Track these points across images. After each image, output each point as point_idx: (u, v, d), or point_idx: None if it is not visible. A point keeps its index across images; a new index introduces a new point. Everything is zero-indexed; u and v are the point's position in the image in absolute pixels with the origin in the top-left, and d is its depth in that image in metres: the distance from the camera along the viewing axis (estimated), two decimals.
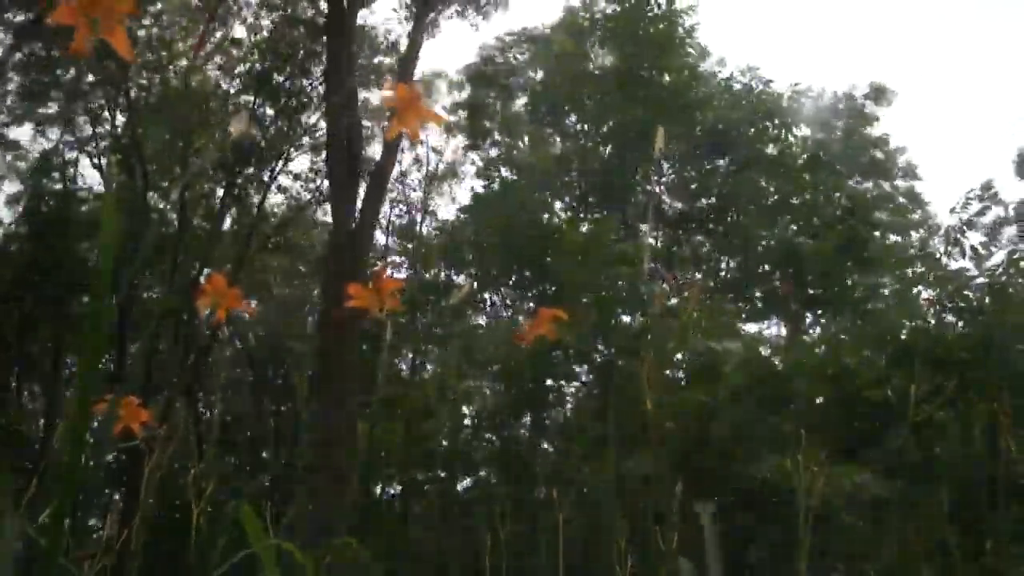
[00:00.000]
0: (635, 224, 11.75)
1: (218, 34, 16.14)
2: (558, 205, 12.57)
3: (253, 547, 1.76)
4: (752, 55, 37.69)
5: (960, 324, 6.26)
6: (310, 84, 16.28)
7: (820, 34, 39.52)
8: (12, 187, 17.99)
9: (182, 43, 16.24)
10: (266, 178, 17.22)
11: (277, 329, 18.97)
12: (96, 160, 17.04)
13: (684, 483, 2.60)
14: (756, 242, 11.43)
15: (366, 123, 16.70)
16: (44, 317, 16.54)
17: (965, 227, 6.92)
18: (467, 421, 13.02)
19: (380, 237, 17.28)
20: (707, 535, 1.96)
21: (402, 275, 15.69)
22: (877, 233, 10.69)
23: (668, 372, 7.07)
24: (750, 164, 11.61)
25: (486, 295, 12.41)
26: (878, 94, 13.80)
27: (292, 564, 1.78)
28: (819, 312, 10.87)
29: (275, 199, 18.29)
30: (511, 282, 11.65)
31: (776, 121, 11.64)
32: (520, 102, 14.59)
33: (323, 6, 15.20)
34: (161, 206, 17.21)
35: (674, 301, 8.17)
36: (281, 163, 17.27)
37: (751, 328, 11.42)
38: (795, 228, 11.49)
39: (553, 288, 10.19)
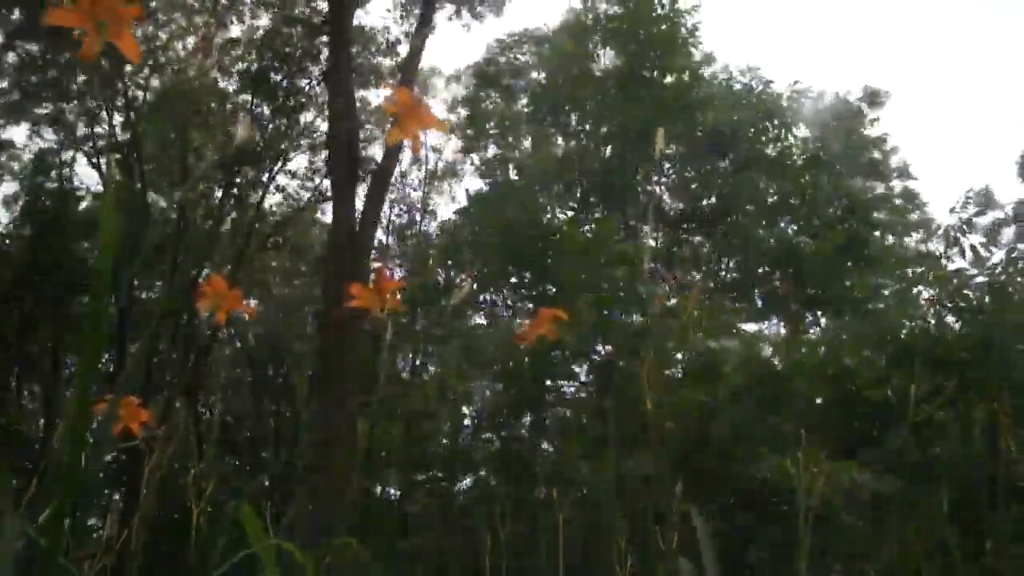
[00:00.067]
0: (635, 224, 11.76)
1: (217, 33, 16.13)
2: (558, 205, 12.57)
3: (253, 547, 1.76)
4: (751, 55, 37.71)
5: (960, 324, 6.26)
6: (308, 83, 16.29)
7: (819, 34, 39.53)
8: (9, 187, 18.00)
9: (180, 42, 16.25)
10: (265, 178, 17.23)
11: (277, 329, 18.98)
12: (95, 160, 17.04)
13: (684, 483, 2.59)
14: (756, 242, 11.43)
15: (368, 125, 16.76)
16: (44, 317, 16.54)
17: (964, 227, 6.93)
18: (467, 421, 13.04)
19: (380, 237, 17.27)
20: (701, 535, 1.96)
21: (401, 275, 15.70)
22: (877, 233, 10.70)
23: (668, 372, 7.08)
24: (750, 164, 11.61)
25: (485, 295, 12.40)
26: (872, 97, 13.86)
27: (292, 564, 1.78)
28: (819, 312, 10.88)
29: (275, 199, 18.31)
30: (511, 282, 11.65)
31: (776, 121, 11.64)
32: (521, 103, 14.60)
33: (320, 6, 15.25)
34: (161, 206, 17.23)
35: (674, 301, 8.18)
36: (280, 163, 17.29)
37: (751, 328, 11.43)
38: (795, 228, 11.50)
39: (552, 288, 10.19)
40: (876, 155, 13.67)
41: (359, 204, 12.19)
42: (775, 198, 11.83)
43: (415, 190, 19.65)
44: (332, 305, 10.34)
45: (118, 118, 16.42)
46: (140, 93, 16.55)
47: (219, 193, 16.75)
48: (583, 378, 10.78)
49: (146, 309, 17.23)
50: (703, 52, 12.15)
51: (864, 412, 6.30)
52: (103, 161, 16.90)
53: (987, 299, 6.11)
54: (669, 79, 11.71)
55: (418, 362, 16.63)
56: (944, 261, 6.88)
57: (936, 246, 7.61)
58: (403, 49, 16.07)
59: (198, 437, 16.60)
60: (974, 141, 37.60)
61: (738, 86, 11.91)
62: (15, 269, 16.03)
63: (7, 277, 15.89)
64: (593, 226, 10.41)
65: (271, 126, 16.29)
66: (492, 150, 13.67)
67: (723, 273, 12.23)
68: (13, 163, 17.73)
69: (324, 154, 17.08)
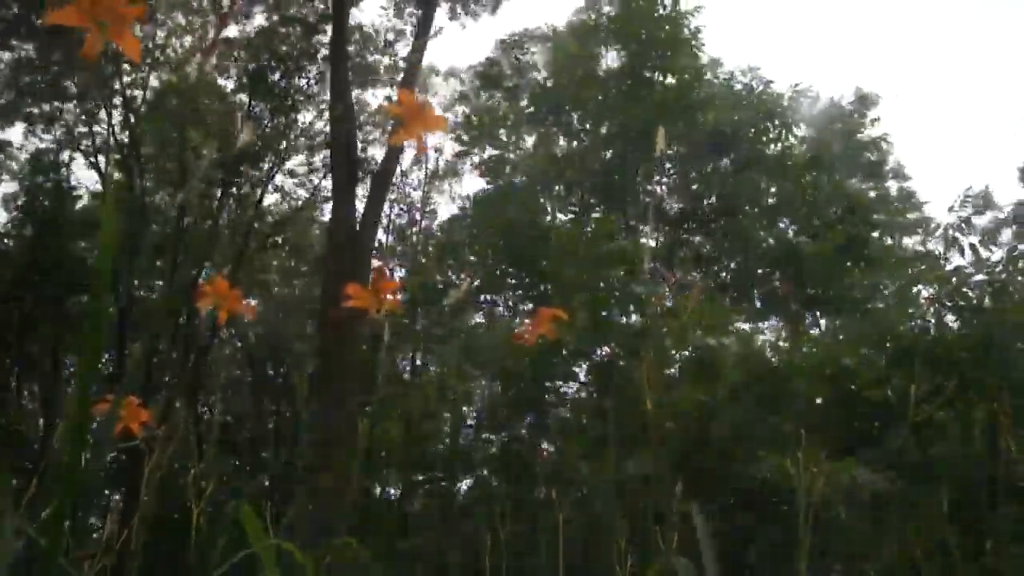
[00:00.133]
0: (636, 224, 11.75)
1: (215, 32, 16.14)
2: (558, 206, 12.57)
3: (253, 547, 1.76)
4: (751, 55, 37.70)
5: (960, 323, 6.26)
6: (307, 83, 16.31)
7: (816, 34, 39.53)
8: (10, 187, 18.00)
9: (178, 40, 16.25)
10: (264, 177, 17.24)
11: (277, 329, 18.98)
12: (93, 159, 17.04)
13: (684, 483, 2.59)
14: (756, 242, 11.43)
15: (368, 126, 16.78)
16: (44, 317, 16.54)
17: (964, 225, 6.93)
18: (467, 421, 13.04)
19: (380, 237, 17.27)
20: (701, 534, 1.96)
21: (400, 275, 15.71)
22: (876, 233, 10.69)
23: (667, 371, 7.08)
24: (751, 164, 11.60)
25: (485, 296, 12.39)
26: (863, 102, 13.89)
27: (292, 564, 1.78)
28: (819, 312, 10.88)
29: (274, 198, 18.33)
30: (509, 283, 11.64)
31: (777, 122, 11.63)
32: (522, 103, 14.59)
33: (319, 5, 15.26)
34: (160, 206, 17.24)
35: (670, 303, 8.17)
36: (279, 162, 17.30)
37: (751, 328, 11.43)
38: (795, 228, 11.49)
39: (549, 288, 10.18)
40: (873, 156, 13.67)
41: (360, 204, 12.22)
42: (775, 199, 11.83)
43: (415, 190, 19.68)
44: (331, 305, 10.34)
45: (116, 117, 16.43)
46: (139, 93, 16.56)
47: (218, 193, 16.76)
48: (583, 378, 10.78)
49: (146, 309, 17.23)
50: (710, 58, 12.16)
51: (864, 412, 6.30)
52: (102, 161, 16.90)
53: (987, 298, 6.11)
54: (671, 79, 11.69)
55: (418, 362, 16.64)
56: (943, 260, 6.88)
57: (935, 245, 7.61)
58: (401, 47, 16.13)
59: (198, 437, 16.60)
60: (973, 141, 37.61)
61: (739, 86, 11.90)
62: (15, 269, 16.03)
63: (7, 277, 15.89)
64: (593, 226, 10.40)
65: (269, 125, 16.31)
66: (489, 151, 13.64)
67: (723, 274, 12.22)
68: (12, 163, 17.74)
69: (322, 155, 17.13)
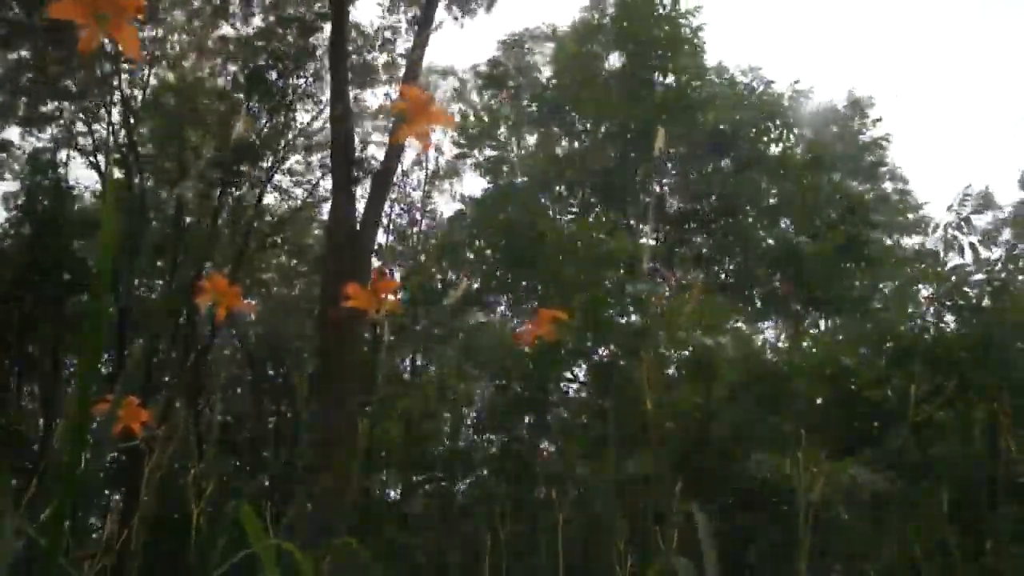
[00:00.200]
0: (636, 224, 11.74)
1: (213, 32, 16.16)
2: (557, 206, 12.56)
3: (253, 547, 1.76)
4: (750, 55, 37.70)
5: (960, 321, 6.26)
6: (305, 82, 16.31)
7: (815, 34, 39.53)
8: (10, 186, 18.00)
9: (176, 38, 16.25)
10: (264, 177, 17.24)
11: (277, 329, 18.99)
12: (93, 158, 17.04)
13: (684, 483, 2.59)
14: (756, 242, 11.42)
15: (368, 125, 16.78)
16: (44, 317, 16.54)
17: (963, 224, 6.93)
18: (467, 421, 13.02)
19: (380, 237, 17.26)
20: (702, 534, 1.95)
21: (400, 275, 15.70)
22: (875, 234, 10.68)
23: (666, 371, 7.08)
24: (751, 164, 11.59)
25: (485, 296, 12.38)
26: (855, 106, 13.89)
27: (292, 564, 1.78)
28: (819, 312, 10.87)
29: (273, 198, 18.33)
30: (507, 283, 11.63)
31: (778, 122, 11.63)
32: (522, 103, 14.58)
33: (316, 5, 15.26)
34: (160, 205, 17.24)
35: (666, 303, 8.16)
36: (278, 161, 17.30)
37: (751, 328, 11.42)
38: (795, 229, 11.47)
39: (545, 288, 10.17)
40: (871, 158, 13.68)
41: (360, 204, 12.22)
42: (776, 199, 11.82)
43: (415, 190, 19.67)
44: (331, 305, 10.33)
45: (116, 116, 16.44)
46: (138, 92, 16.56)
47: (218, 192, 16.76)
48: (583, 378, 10.78)
49: (146, 309, 17.24)
50: (712, 60, 12.16)
51: (864, 412, 6.30)
52: (101, 160, 16.90)
53: (986, 297, 6.11)
54: (671, 79, 11.68)
55: (419, 362, 16.64)
56: (943, 257, 6.88)
57: (934, 243, 7.61)
58: (400, 43, 16.14)
59: (198, 437, 16.60)
60: (974, 141, 37.61)
61: (739, 86, 11.89)
62: (15, 269, 16.03)
63: (7, 277, 15.89)
64: (581, 226, 10.39)
65: (268, 124, 16.32)
66: (488, 152, 13.62)
67: (723, 275, 12.21)
68: (15, 164, 17.74)
69: (321, 154, 17.14)
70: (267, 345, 19.40)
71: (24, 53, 14.68)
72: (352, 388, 10.26)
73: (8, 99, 15.55)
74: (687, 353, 7.21)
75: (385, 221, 17.76)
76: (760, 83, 11.87)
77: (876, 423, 6.26)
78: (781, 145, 11.76)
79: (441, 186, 19.93)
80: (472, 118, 13.94)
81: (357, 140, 14.88)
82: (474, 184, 28.86)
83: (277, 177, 17.71)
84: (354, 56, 15.51)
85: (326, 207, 16.65)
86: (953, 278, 6.36)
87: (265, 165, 17.06)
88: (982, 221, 7.25)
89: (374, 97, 17.40)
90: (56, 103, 16.05)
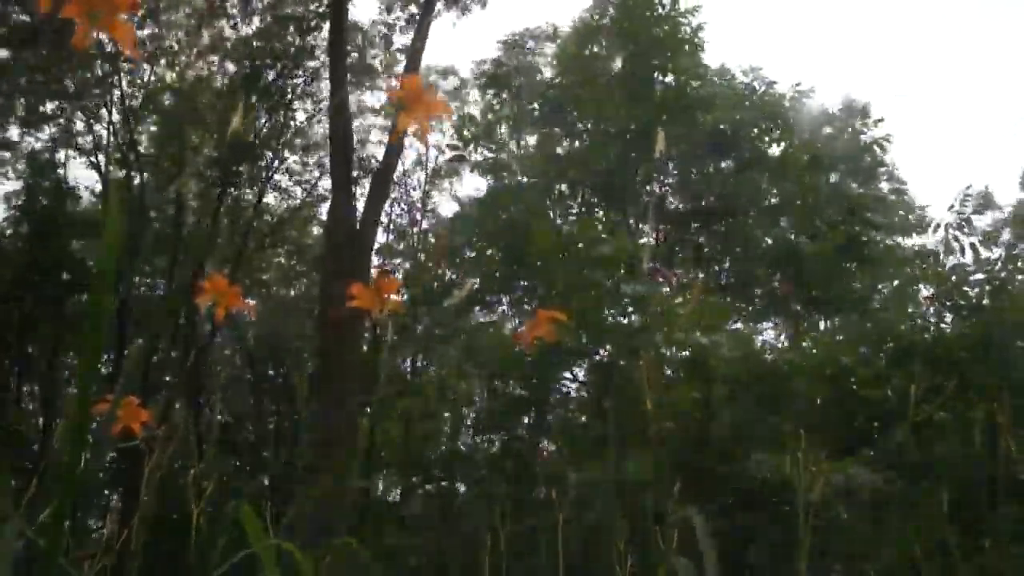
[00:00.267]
0: (637, 224, 11.74)
1: (212, 31, 16.15)
2: (557, 207, 12.56)
3: (253, 547, 1.76)
4: (750, 54, 37.70)
5: (959, 321, 6.26)
6: (303, 81, 16.31)
7: (816, 34, 39.52)
8: (12, 185, 17.99)
9: (175, 36, 16.25)
10: (263, 177, 17.25)
11: (277, 329, 18.99)
12: (93, 158, 17.03)
13: (684, 483, 2.59)
14: (757, 242, 11.42)
15: (369, 124, 16.78)
16: (44, 317, 16.54)
17: (963, 224, 6.93)
18: (467, 422, 13.02)
19: (380, 236, 17.26)
20: (700, 536, 1.95)
21: (400, 275, 15.68)
22: (875, 234, 10.68)
23: (665, 370, 7.07)
24: (751, 164, 11.60)
25: (485, 296, 12.37)
26: (850, 111, 13.90)
27: (292, 564, 1.78)
28: (819, 313, 10.87)
29: (272, 197, 18.34)
30: (504, 282, 11.63)
31: (779, 122, 11.63)
32: (521, 103, 14.57)
33: (313, 5, 15.26)
34: (160, 205, 17.24)
35: (669, 302, 8.15)
36: (279, 161, 17.31)
37: (751, 329, 11.42)
38: (795, 229, 11.47)
39: (541, 289, 10.16)
40: (870, 159, 13.66)
41: (360, 203, 12.21)
42: (776, 199, 11.82)
43: (415, 189, 19.66)
44: (331, 305, 10.33)
45: (116, 116, 16.43)
46: (138, 91, 16.55)
47: (217, 192, 16.76)
48: (582, 378, 10.78)
49: (146, 309, 17.24)
50: (720, 63, 12.16)
51: (864, 412, 6.30)
52: (101, 159, 16.90)
53: (986, 297, 6.11)
54: (671, 79, 11.68)
55: (419, 363, 16.63)
56: (943, 258, 6.89)
57: (934, 244, 7.61)
58: (397, 40, 16.15)
59: (198, 437, 16.61)
60: (974, 141, 37.60)
61: (740, 86, 11.88)
62: (15, 269, 16.03)
63: (7, 277, 15.89)
64: (600, 227, 10.38)
65: (267, 124, 16.32)
66: (485, 153, 13.60)
67: (723, 275, 12.21)
68: (19, 163, 17.73)
69: (320, 154, 17.14)
70: (267, 345, 19.40)
71: (24, 53, 14.67)
72: (352, 388, 10.25)
73: (8, 99, 15.55)
74: (686, 353, 7.22)
75: (385, 220, 17.77)
76: (761, 84, 11.87)
77: (876, 423, 6.26)
78: (783, 145, 11.76)
79: (441, 185, 19.94)
80: (469, 120, 13.92)
81: (356, 139, 14.90)
82: (474, 184, 28.86)
83: (276, 176, 17.72)
84: (355, 55, 15.52)
85: (325, 206, 16.67)
86: (953, 278, 6.37)
87: (265, 164, 17.07)
88: (983, 222, 7.26)
89: (373, 97, 17.43)
90: (56, 103, 16.04)
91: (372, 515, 10.95)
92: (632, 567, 2.48)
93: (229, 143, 14.33)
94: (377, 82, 16.88)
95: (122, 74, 15.63)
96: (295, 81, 16.31)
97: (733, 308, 10.91)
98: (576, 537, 6.20)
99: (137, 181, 16.20)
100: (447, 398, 12.11)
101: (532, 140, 14.26)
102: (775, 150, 11.89)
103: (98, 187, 17.23)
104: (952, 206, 7.55)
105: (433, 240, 16.99)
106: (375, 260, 15.15)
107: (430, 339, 13.54)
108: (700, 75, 11.81)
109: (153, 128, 17.42)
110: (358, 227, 11.37)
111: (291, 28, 15.64)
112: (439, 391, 12.01)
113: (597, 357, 9.78)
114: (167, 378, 16.60)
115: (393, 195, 17.84)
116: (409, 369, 16.53)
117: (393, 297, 1.72)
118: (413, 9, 15.31)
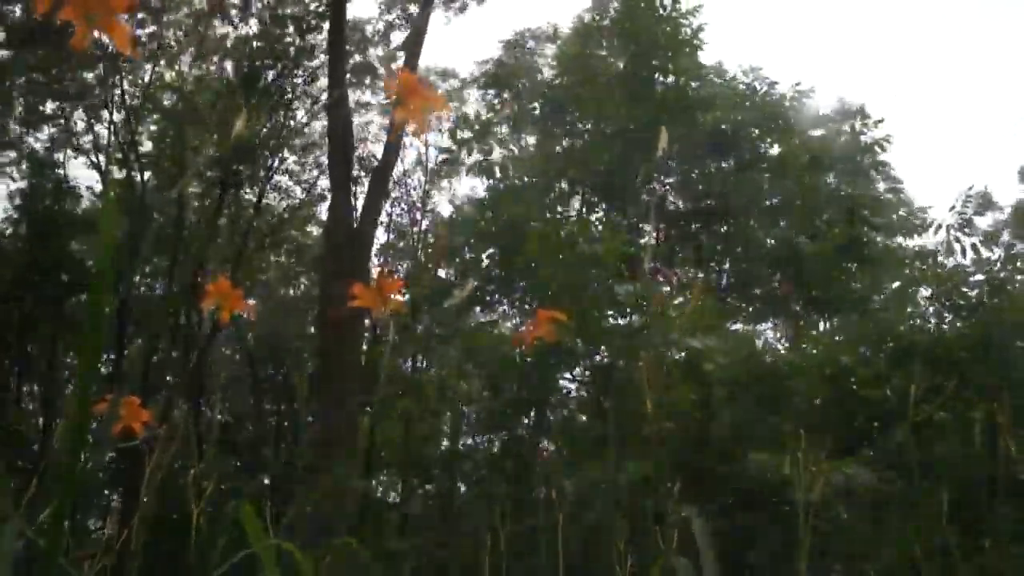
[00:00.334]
0: (637, 224, 11.73)
1: (212, 31, 16.17)
2: (557, 207, 12.54)
3: (253, 547, 1.76)
4: (751, 54, 37.69)
5: (959, 321, 6.26)
6: (302, 81, 16.32)
7: (816, 33, 39.53)
8: (13, 185, 17.98)
9: (175, 37, 16.26)
10: (263, 177, 17.25)
11: (277, 329, 18.99)
12: (94, 158, 17.04)
13: (683, 483, 2.59)
14: (757, 242, 11.41)
15: (368, 123, 16.78)
16: (44, 317, 16.54)
17: (965, 224, 6.94)
18: (467, 422, 13.01)
19: (380, 235, 17.25)
20: (699, 536, 1.95)
21: (400, 274, 15.68)
22: (875, 234, 10.68)
23: (665, 370, 7.07)
24: (752, 164, 11.59)
25: (485, 296, 12.36)
26: (845, 114, 13.90)
27: (292, 564, 1.78)
28: (819, 313, 10.87)
29: (272, 197, 18.33)
30: (506, 284, 11.62)
31: (780, 122, 11.62)
32: (521, 102, 14.56)
33: (312, 5, 15.27)
34: (160, 205, 17.23)
35: (667, 301, 8.15)
36: (278, 160, 17.32)
37: (751, 329, 11.41)
38: (795, 229, 11.46)
39: (535, 290, 10.15)
40: (868, 160, 13.65)
41: (360, 203, 12.21)
42: (777, 199, 11.81)
43: (415, 189, 19.65)
44: (331, 305, 10.33)
45: (116, 116, 16.43)
46: (138, 91, 16.55)
47: (218, 192, 16.76)
48: (582, 378, 10.76)
49: (146, 309, 17.24)
50: (718, 62, 12.14)
51: (863, 412, 6.30)
52: (101, 159, 16.90)
53: (986, 297, 6.11)
54: (671, 79, 11.67)
55: (419, 363, 16.61)
56: (941, 258, 6.89)
57: (934, 244, 7.62)
58: (396, 38, 16.18)
59: (198, 437, 16.60)
60: (974, 141, 37.61)
61: (741, 86, 11.88)
62: (15, 269, 16.03)
63: (7, 277, 15.89)
64: (600, 228, 10.37)
65: (267, 123, 16.31)
66: (476, 156, 13.58)
67: (723, 275, 12.21)
68: (22, 162, 17.72)
69: (317, 153, 17.15)
70: (267, 345, 19.40)
71: (24, 53, 14.67)
72: (352, 388, 10.26)
73: (7, 99, 15.55)
74: (682, 356, 7.21)
75: (385, 219, 17.77)
76: (762, 84, 11.86)
77: (876, 423, 6.26)
78: (783, 143, 11.75)
79: (440, 185, 19.93)
80: (464, 121, 13.91)
81: (355, 138, 14.89)
82: (472, 184, 28.82)
83: (276, 176, 17.72)
84: (356, 57, 15.53)
85: (325, 206, 16.66)
86: (953, 278, 6.37)
87: (265, 164, 17.07)
88: (983, 223, 7.28)
89: (372, 95, 17.43)
90: (56, 103, 16.05)
91: (372, 515, 10.94)
92: (632, 567, 2.48)
93: (232, 145, 14.33)
94: (376, 80, 16.89)
95: (122, 74, 15.63)
96: (295, 81, 16.32)
97: (733, 308, 10.91)
98: (576, 537, 6.20)
99: (138, 181, 16.20)
100: (447, 398, 12.10)
101: (532, 140, 14.25)
102: (775, 150, 11.89)
103: (98, 187, 17.25)
104: (953, 207, 7.57)
105: (433, 240, 16.97)
106: (375, 259, 15.16)
107: (430, 339, 13.54)
108: (701, 75, 11.81)
109: (153, 128, 17.42)
110: (357, 226, 11.38)
111: (291, 28, 15.64)
112: (439, 391, 12.00)
113: (596, 358, 9.77)
114: (167, 378, 16.60)
115: (393, 194, 17.85)
116: (409, 369, 16.52)
117: (395, 297, 1.72)
118: (413, 9, 15.33)
